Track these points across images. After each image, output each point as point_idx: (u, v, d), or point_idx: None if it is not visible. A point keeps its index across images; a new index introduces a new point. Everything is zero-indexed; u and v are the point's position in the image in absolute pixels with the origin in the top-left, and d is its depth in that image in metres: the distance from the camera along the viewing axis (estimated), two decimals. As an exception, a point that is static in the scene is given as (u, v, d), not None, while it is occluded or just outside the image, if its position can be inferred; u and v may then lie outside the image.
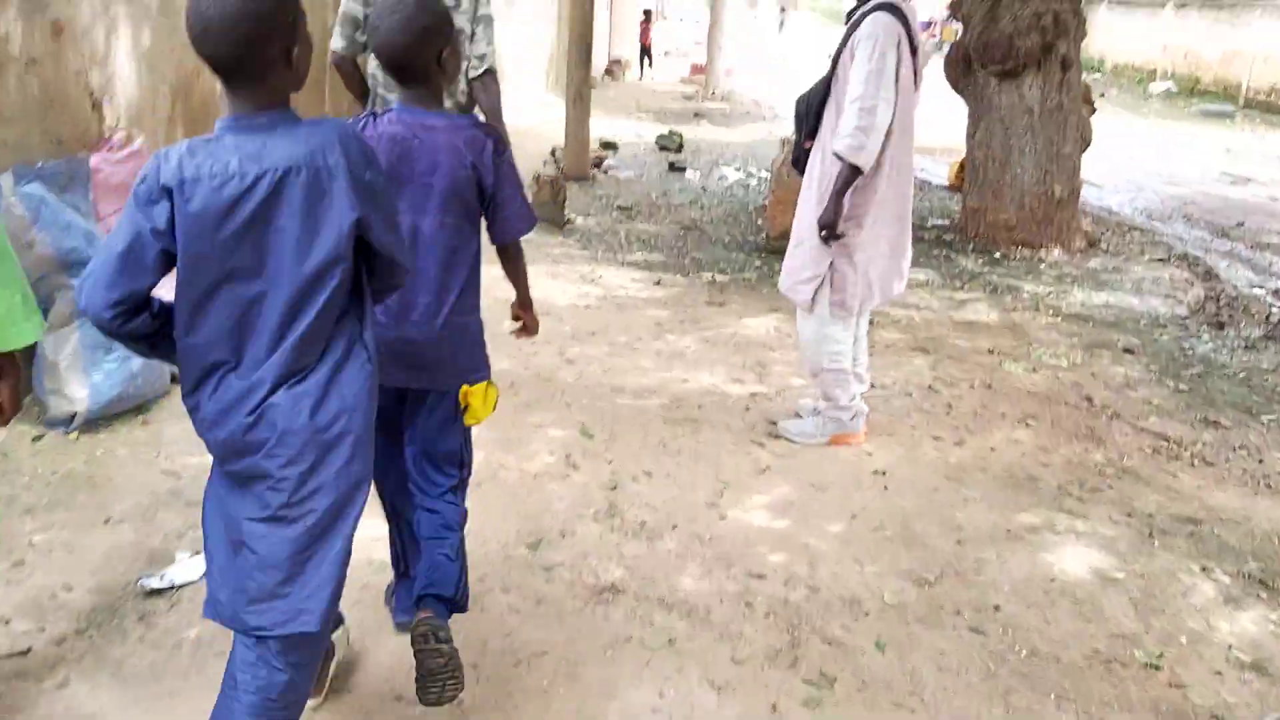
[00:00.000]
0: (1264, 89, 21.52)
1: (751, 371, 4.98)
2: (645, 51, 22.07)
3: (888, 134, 3.66)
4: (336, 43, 4.19)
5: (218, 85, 2.09)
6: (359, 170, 1.88)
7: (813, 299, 3.94)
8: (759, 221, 8.37)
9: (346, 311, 1.95)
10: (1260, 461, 4.29)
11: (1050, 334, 5.91)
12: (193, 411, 1.95)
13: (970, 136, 8.29)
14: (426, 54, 2.36)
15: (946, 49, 28.21)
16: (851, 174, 3.66)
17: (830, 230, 3.74)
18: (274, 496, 1.91)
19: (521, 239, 2.56)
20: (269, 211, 1.82)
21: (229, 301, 1.86)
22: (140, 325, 1.89)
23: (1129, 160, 13.49)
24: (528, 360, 4.89)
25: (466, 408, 2.52)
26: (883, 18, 3.63)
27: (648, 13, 21.84)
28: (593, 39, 10.12)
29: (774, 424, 4.29)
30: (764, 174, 11.17)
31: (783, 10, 45.52)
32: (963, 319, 6.12)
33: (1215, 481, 4.08)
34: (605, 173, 10.59)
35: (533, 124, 12.71)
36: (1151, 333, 6.10)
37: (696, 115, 16.67)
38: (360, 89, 4.29)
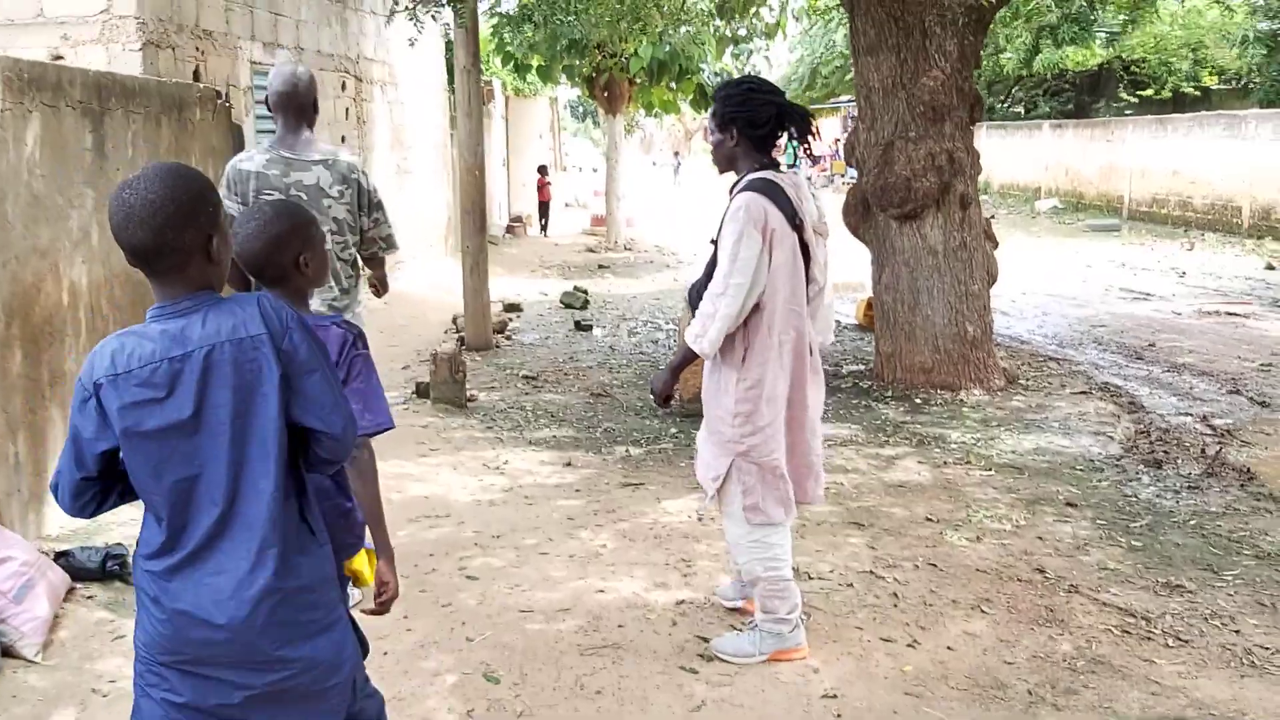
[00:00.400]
0: (1144, 201, 22.27)
1: (675, 570, 4.50)
2: (544, 209, 21.64)
3: (760, 326, 3.44)
4: None
5: (64, 298, 2.33)
6: (277, 336, 1.95)
7: (721, 498, 3.61)
8: (670, 383, 7.99)
9: (289, 489, 2.00)
10: (1237, 633, 3.91)
11: (986, 491, 5.56)
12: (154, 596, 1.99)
13: (876, 280, 8.10)
14: (283, 258, 2.48)
15: (838, 180, 28.90)
16: (689, 355, 3.54)
17: (658, 397, 3.66)
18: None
19: (380, 440, 2.57)
20: (201, 389, 1.90)
21: (174, 486, 1.93)
22: (118, 502, 2.05)
23: (1029, 283, 13.58)
24: (424, 580, 4.35)
25: (356, 577, 2.55)
26: (745, 198, 3.41)
27: (543, 169, 21.46)
28: (485, 205, 9.86)
29: (706, 641, 3.80)
30: (671, 326, 10.90)
31: (677, 156, 46.66)
32: (894, 480, 5.75)
33: (1195, 665, 3.67)
34: (509, 338, 10.20)
35: (431, 293, 12.34)
36: (1090, 479, 5.79)
37: (601, 267, 16.52)
38: (242, 284, 4.08)
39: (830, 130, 39.42)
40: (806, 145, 3.56)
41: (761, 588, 3.64)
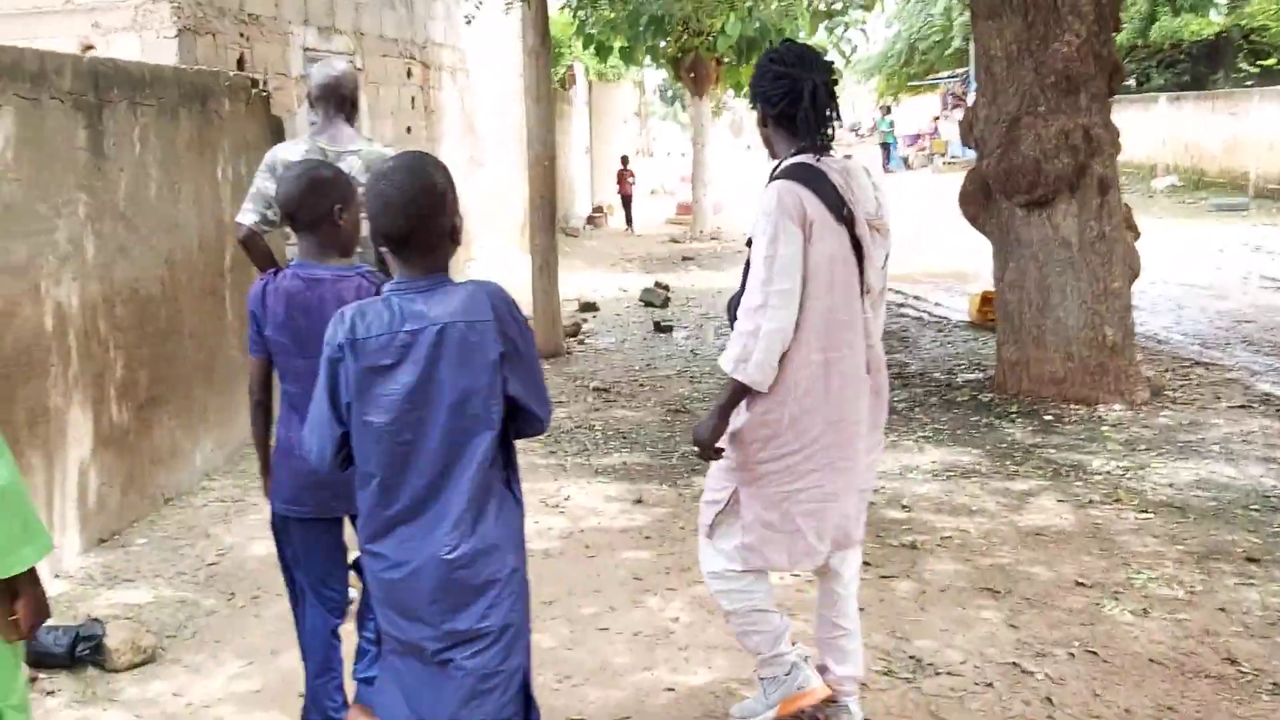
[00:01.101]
0: (1273, 177, 20.54)
1: (765, 657, 3.63)
2: (626, 203, 20.42)
3: (798, 338, 2.78)
4: (247, 217, 4.14)
5: (46, 323, 2.51)
6: (504, 323, 2.14)
7: (711, 527, 3.03)
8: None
9: (498, 459, 2.19)
10: None
11: (1145, 541, 4.56)
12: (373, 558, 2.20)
13: (999, 277, 7.08)
14: (319, 205, 2.68)
15: (937, 160, 27.57)
16: (739, 389, 2.83)
17: (704, 450, 2.90)
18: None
19: None
20: (431, 361, 2.11)
21: (393, 450, 2.12)
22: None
23: (1157, 270, 12.30)
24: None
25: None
26: (777, 189, 2.78)
27: (625, 159, 20.43)
28: (556, 199, 9.06)
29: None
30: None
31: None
32: (1030, 526, 4.78)
33: None
34: (583, 342, 9.41)
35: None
36: (1271, 522, 4.74)
37: (685, 259, 15.65)
38: (267, 263, 4.17)
39: (928, 108, 37.87)
40: (821, 127, 2.85)
41: (732, 624, 3.07)
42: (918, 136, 35.97)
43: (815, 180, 2.77)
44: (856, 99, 49.36)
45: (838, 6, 16.13)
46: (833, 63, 2.92)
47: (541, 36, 8.52)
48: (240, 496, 5.41)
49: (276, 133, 6.50)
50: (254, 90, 6.16)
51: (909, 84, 37.36)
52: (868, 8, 15.88)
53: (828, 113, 2.83)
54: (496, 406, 2.14)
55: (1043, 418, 6.48)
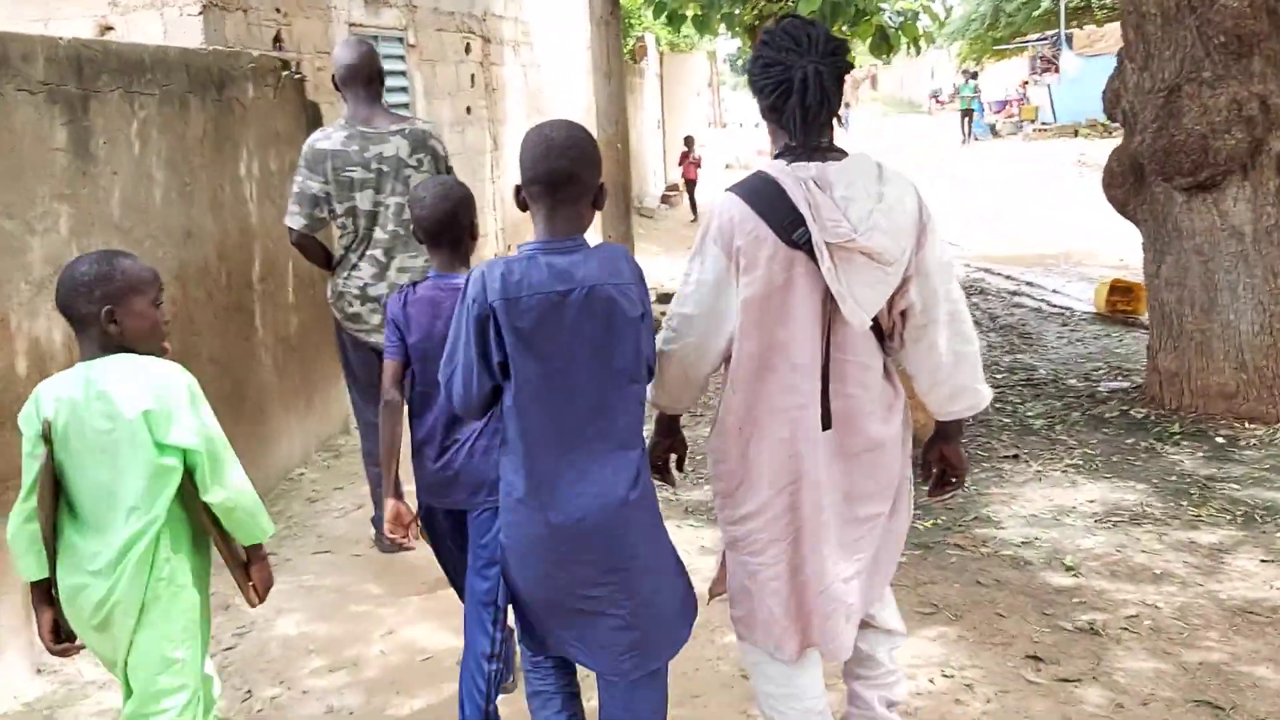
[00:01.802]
0: None
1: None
2: (690, 188, 18.66)
3: (730, 381, 2.41)
4: (295, 221, 4.05)
5: (19, 365, 2.97)
6: (639, 285, 2.28)
7: (711, 586, 2.71)
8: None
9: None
10: None
11: (1395, 622, 3.56)
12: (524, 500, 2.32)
13: (1152, 273, 6.03)
14: (462, 222, 2.86)
15: (1027, 127, 25.96)
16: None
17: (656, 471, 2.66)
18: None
19: None
20: (579, 319, 2.21)
21: (546, 400, 2.25)
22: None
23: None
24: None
25: None
26: (717, 203, 2.41)
27: (689, 141, 18.63)
28: (629, 185, 8.16)
29: None
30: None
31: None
32: (1235, 598, 3.80)
33: None
34: (662, 343, 8.52)
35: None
36: None
37: (767, 240, 14.66)
38: (324, 261, 4.23)
39: (1015, 73, 36.13)
40: (812, 123, 2.33)
41: None
42: (1005, 103, 34.31)
43: (763, 195, 2.30)
44: (936, 65, 47.52)
45: (926, -34, 14.96)
46: (842, 44, 2.35)
47: (611, 4, 7.60)
48: (272, 550, 4.63)
49: (314, 120, 5.69)
50: (285, 73, 5.35)
51: (994, 48, 35.66)
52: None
53: (821, 106, 2.30)
54: (642, 360, 2.29)
55: (1213, 440, 5.44)
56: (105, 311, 2.27)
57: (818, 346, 2.32)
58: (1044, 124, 29.55)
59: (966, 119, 31.06)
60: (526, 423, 2.26)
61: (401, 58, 8.46)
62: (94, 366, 2.30)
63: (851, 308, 2.25)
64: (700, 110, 22.42)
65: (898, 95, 57.03)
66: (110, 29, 6.18)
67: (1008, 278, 10.90)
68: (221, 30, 6.16)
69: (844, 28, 15.38)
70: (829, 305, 2.29)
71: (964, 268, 11.65)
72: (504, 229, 10.24)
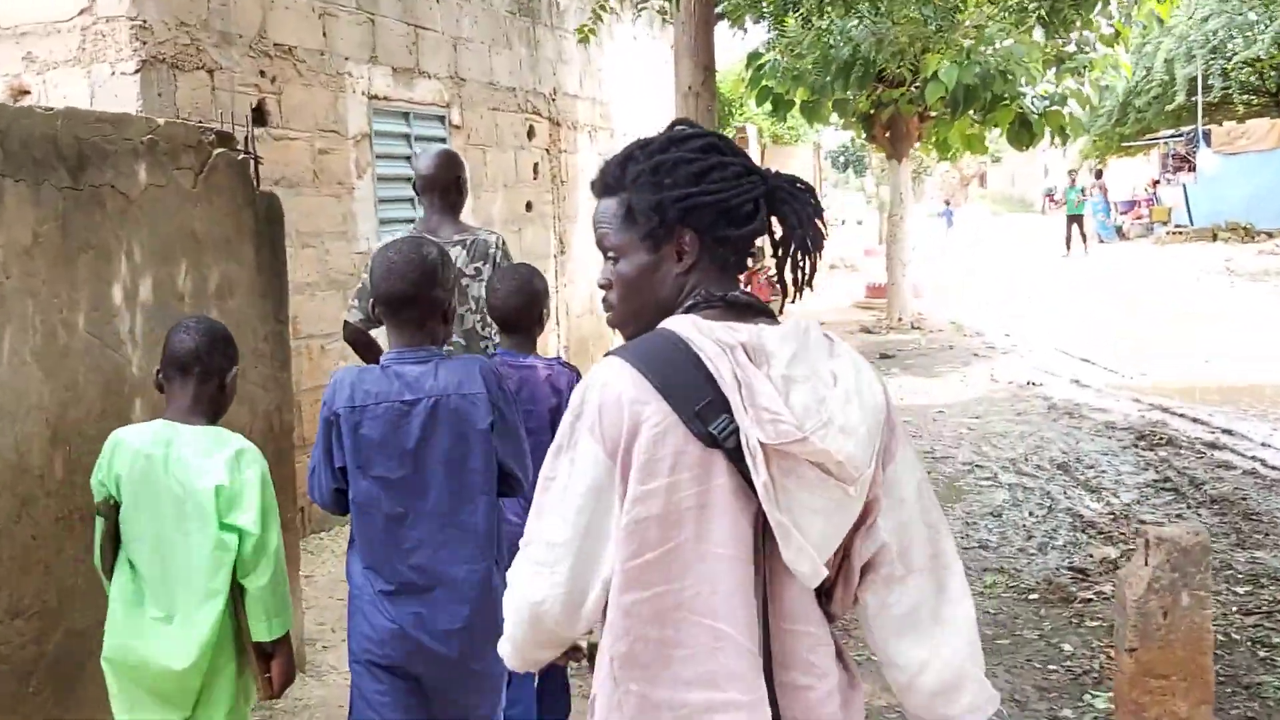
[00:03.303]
0: None
1: None
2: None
3: (602, 667, 1.58)
4: (353, 315, 3.90)
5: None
6: (494, 396, 2.37)
7: None
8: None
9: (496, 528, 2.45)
10: None
11: None
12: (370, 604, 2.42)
13: None
14: (535, 311, 3.04)
15: (1159, 230, 23.47)
16: None
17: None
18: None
19: None
20: (428, 429, 2.30)
21: (388, 506, 2.35)
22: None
23: None
24: None
25: None
26: (598, 372, 1.56)
27: (755, 253, 14.80)
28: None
29: None
30: (1031, 479, 6.94)
31: (948, 204, 41.63)
32: None
33: None
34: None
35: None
36: None
37: (884, 357, 12.63)
38: (376, 357, 3.80)
39: (1143, 171, 33.76)
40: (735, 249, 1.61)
41: None
42: (1133, 203, 31.92)
43: (669, 365, 1.49)
44: (1051, 161, 45.35)
45: (1070, 49, 13.11)
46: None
47: (704, 71, 5.85)
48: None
49: (270, 219, 3.98)
50: (217, 152, 3.65)
51: (1122, 144, 33.40)
52: (1109, 44, 12.79)
53: (806, 243, 1.62)
54: (492, 473, 2.38)
55: None
56: (232, 374, 2.50)
57: (752, 607, 1.51)
58: (1178, 227, 27.13)
59: (1074, 225, 27.71)
60: (367, 524, 2.37)
61: (442, 140, 6.80)
62: (179, 430, 2.41)
63: (798, 547, 1.46)
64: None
65: (1008, 193, 54.84)
66: (26, 93, 4.60)
67: (1195, 420, 8.70)
68: (170, 95, 4.54)
69: (975, 116, 13.60)
70: (765, 542, 1.50)
71: (1133, 403, 9.48)
72: (568, 345, 8.46)
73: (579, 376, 2.68)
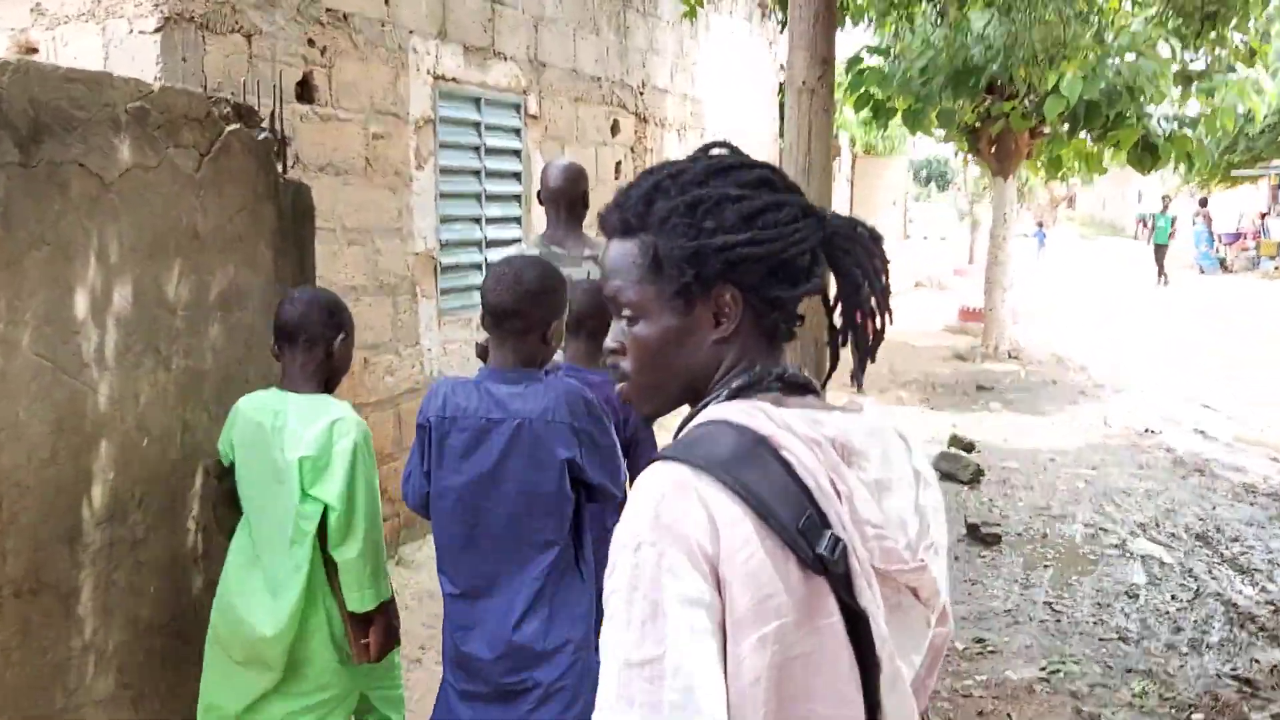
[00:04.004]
0: None
1: None
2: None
3: None
4: (482, 336, 3.87)
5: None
6: (579, 421, 2.36)
7: None
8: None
9: (565, 541, 2.42)
10: None
11: None
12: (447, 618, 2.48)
13: None
14: (605, 318, 2.72)
15: (1265, 264, 21.99)
16: None
17: None
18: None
19: None
20: (507, 451, 2.33)
21: (461, 518, 2.39)
22: None
23: None
24: None
25: None
26: (655, 488, 1.18)
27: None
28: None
29: None
30: (1167, 551, 6.00)
31: (1040, 227, 39.97)
32: None
33: None
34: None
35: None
36: None
37: (981, 389, 11.64)
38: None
39: (1251, 202, 32.07)
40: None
41: None
42: (1238, 235, 30.29)
43: (754, 469, 1.17)
44: (1145, 186, 43.51)
45: (1198, 67, 12.01)
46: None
47: (821, 65, 5.02)
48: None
49: (299, 213, 3.25)
50: (230, 129, 2.93)
51: (1230, 172, 31.76)
52: (1247, 63, 11.67)
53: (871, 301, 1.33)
54: (564, 499, 2.37)
55: None
56: (340, 340, 2.53)
57: None
58: (1288, 263, 25.59)
59: (1160, 255, 26.02)
60: (441, 533, 2.43)
61: (517, 131, 6.06)
62: (288, 398, 2.48)
63: (904, 689, 1.21)
64: (894, 223, 19.63)
65: (1098, 216, 52.91)
66: (33, 50, 3.94)
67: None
68: (197, 61, 3.84)
69: (1094, 134, 12.55)
70: (871, 683, 1.20)
71: (1272, 462, 8.45)
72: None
73: None
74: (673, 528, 1.12)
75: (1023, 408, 10.64)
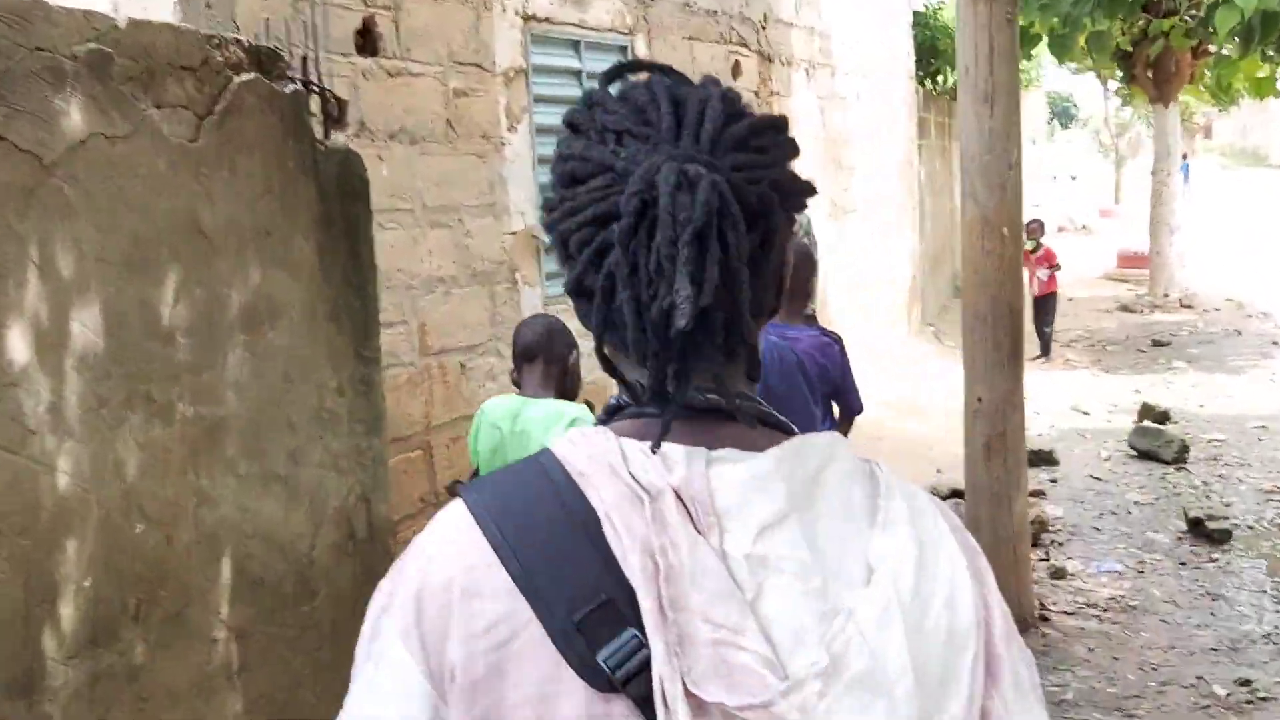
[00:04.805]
0: None
1: None
2: (1040, 308, 10.07)
3: None
4: None
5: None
6: None
7: None
8: None
9: None
10: None
11: None
12: None
13: None
14: (806, 281, 3.25)
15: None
16: None
17: None
18: None
19: None
20: None
21: None
22: None
23: None
24: None
25: None
26: (419, 545, 0.85)
27: (1034, 228, 10.00)
28: (1021, 299, 4.52)
29: None
30: None
31: (1185, 158, 37.33)
32: None
33: None
34: (1054, 567, 4.69)
35: (888, 417, 7.01)
36: None
37: (1157, 344, 10.35)
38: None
39: None
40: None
41: None
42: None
43: (540, 523, 0.81)
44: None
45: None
46: (775, 126, 0.82)
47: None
48: None
49: (346, 191, 2.42)
50: (241, 79, 2.10)
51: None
52: None
53: (713, 283, 0.75)
54: None
55: None
56: (574, 358, 2.69)
57: None
58: None
59: None
60: None
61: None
62: (527, 403, 2.58)
63: None
64: (1033, 164, 18.06)
65: (1239, 145, 49.49)
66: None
67: None
68: (227, 4, 3.05)
69: (1269, 53, 11.02)
70: None
71: None
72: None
73: (839, 341, 3.15)
74: (419, 584, 0.81)
75: (1210, 365, 9.34)
